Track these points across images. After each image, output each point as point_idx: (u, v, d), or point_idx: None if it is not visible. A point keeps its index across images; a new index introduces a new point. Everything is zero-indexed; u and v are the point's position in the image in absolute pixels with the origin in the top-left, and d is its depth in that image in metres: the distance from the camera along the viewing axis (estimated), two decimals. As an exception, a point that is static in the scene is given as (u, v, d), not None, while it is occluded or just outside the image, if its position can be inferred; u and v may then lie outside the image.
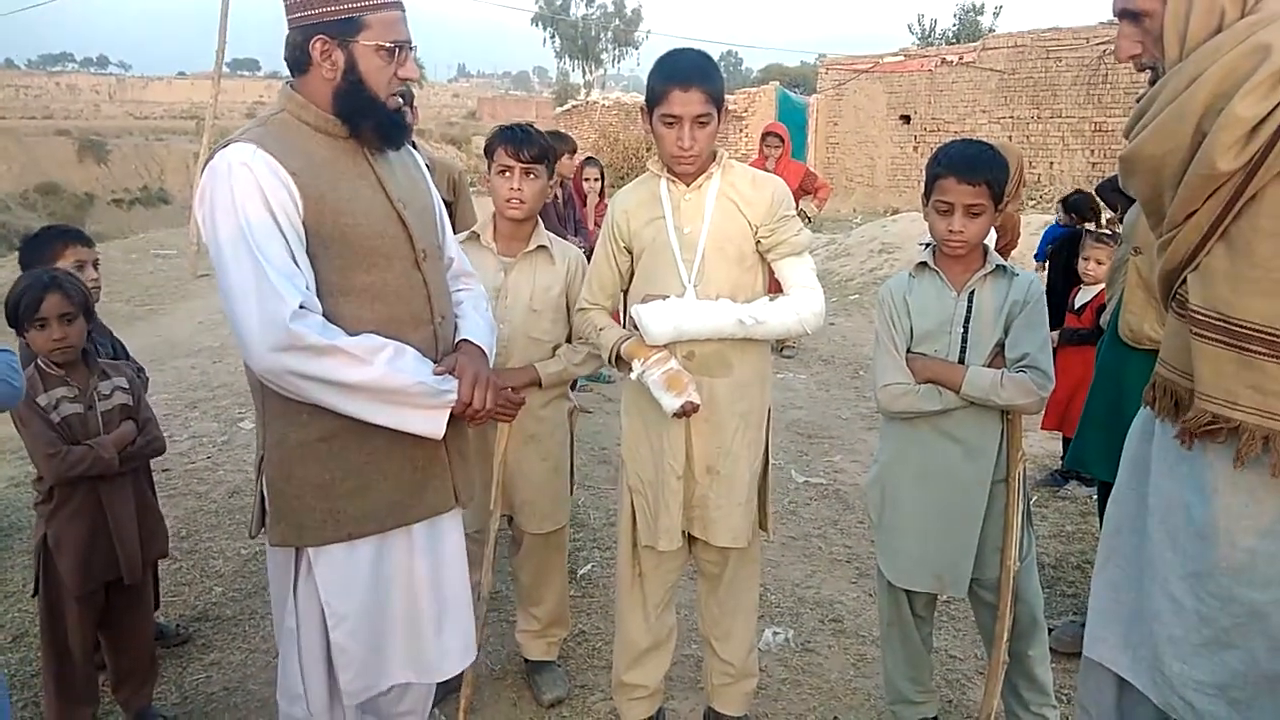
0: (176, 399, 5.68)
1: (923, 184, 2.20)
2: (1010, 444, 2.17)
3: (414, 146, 2.11)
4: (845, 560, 3.60)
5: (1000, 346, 2.14)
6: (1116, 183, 4.11)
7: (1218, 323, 1.42)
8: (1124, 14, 1.51)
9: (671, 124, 2.05)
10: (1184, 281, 1.48)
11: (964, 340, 2.16)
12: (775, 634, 3.02)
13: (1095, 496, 3.97)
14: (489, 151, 2.51)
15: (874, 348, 2.29)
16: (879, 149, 17.31)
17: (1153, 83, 1.50)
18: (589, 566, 3.53)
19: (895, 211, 14.08)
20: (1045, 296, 2.19)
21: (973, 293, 2.16)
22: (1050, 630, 2.97)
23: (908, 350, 2.21)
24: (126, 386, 2.48)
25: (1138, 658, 1.61)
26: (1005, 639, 2.19)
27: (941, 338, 2.18)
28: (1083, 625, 2.88)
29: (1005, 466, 2.17)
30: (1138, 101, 1.53)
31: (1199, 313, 1.44)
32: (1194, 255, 1.45)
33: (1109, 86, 13.70)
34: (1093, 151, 14.12)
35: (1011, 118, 15.12)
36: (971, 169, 2.07)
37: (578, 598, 3.24)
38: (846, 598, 3.30)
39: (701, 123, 2.04)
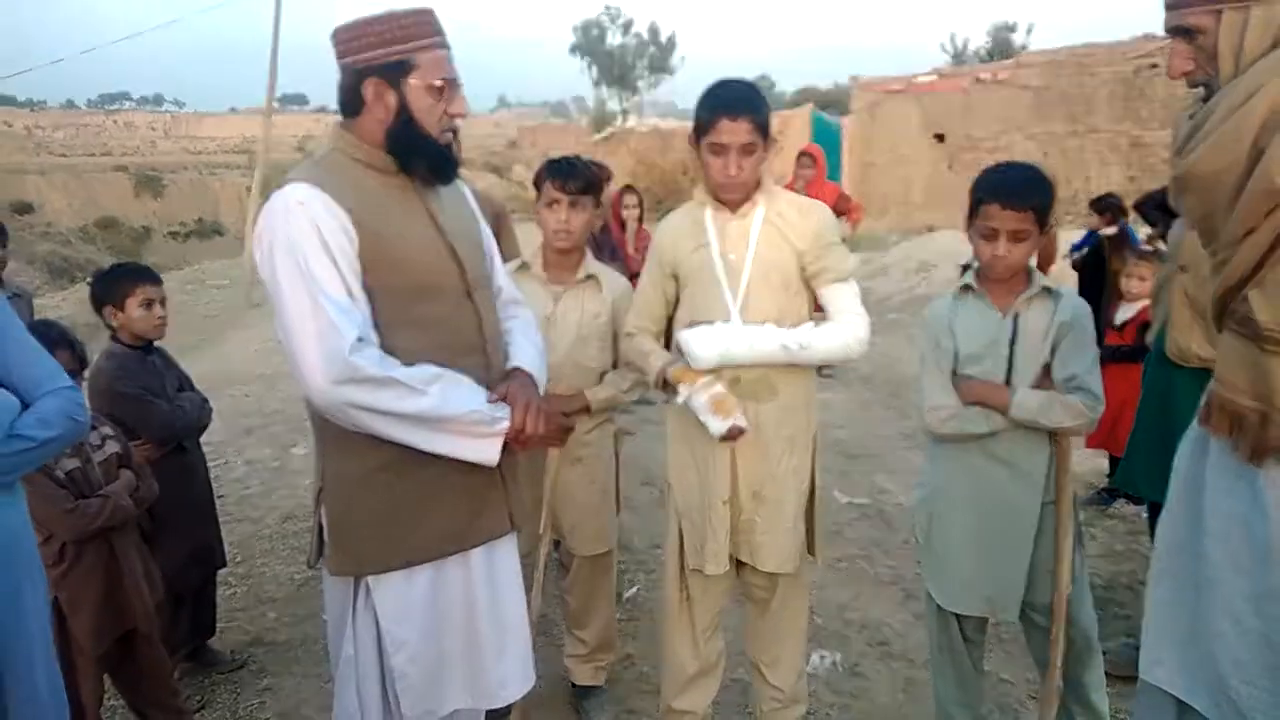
0: (231, 425, 5.81)
1: (965, 206, 2.21)
2: (1059, 466, 2.15)
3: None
4: (891, 582, 3.57)
5: (1047, 368, 2.13)
6: (1157, 199, 4.09)
7: None
8: (1176, 31, 1.51)
9: (719, 152, 2.08)
10: (1243, 299, 1.47)
11: (1010, 362, 2.15)
12: (822, 658, 3.01)
13: (1144, 514, 3.90)
14: (537, 184, 2.57)
15: (920, 370, 2.29)
16: (914, 169, 17.19)
17: (1205, 100, 1.49)
18: (634, 589, 3.54)
19: (931, 229, 13.96)
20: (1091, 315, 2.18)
21: (1018, 314, 2.16)
22: (1104, 653, 2.93)
23: (953, 372, 2.21)
24: (113, 434, 2.48)
25: (1196, 679, 1.59)
26: (1059, 664, 2.16)
27: (987, 360, 2.17)
28: (1136, 647, 2.83)
29: (1055, 488, 2.16)
30: (1190, 118, 1.52)
31: (1273, 330, 1.43)
32: (1254, 272, 1.43)
33: (1146, 100, 13.51)
34: (1130, 166, 13.89)
35: (1047, 134, 14.96)
36: (1017, 195, 2.07)
37: (623, 621, 3.24)
38: (894, 620, 3.27)
39: (748, 151, 2.08)
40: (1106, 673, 2.85)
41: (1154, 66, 13.26)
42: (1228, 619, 1.52)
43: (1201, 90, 1.53)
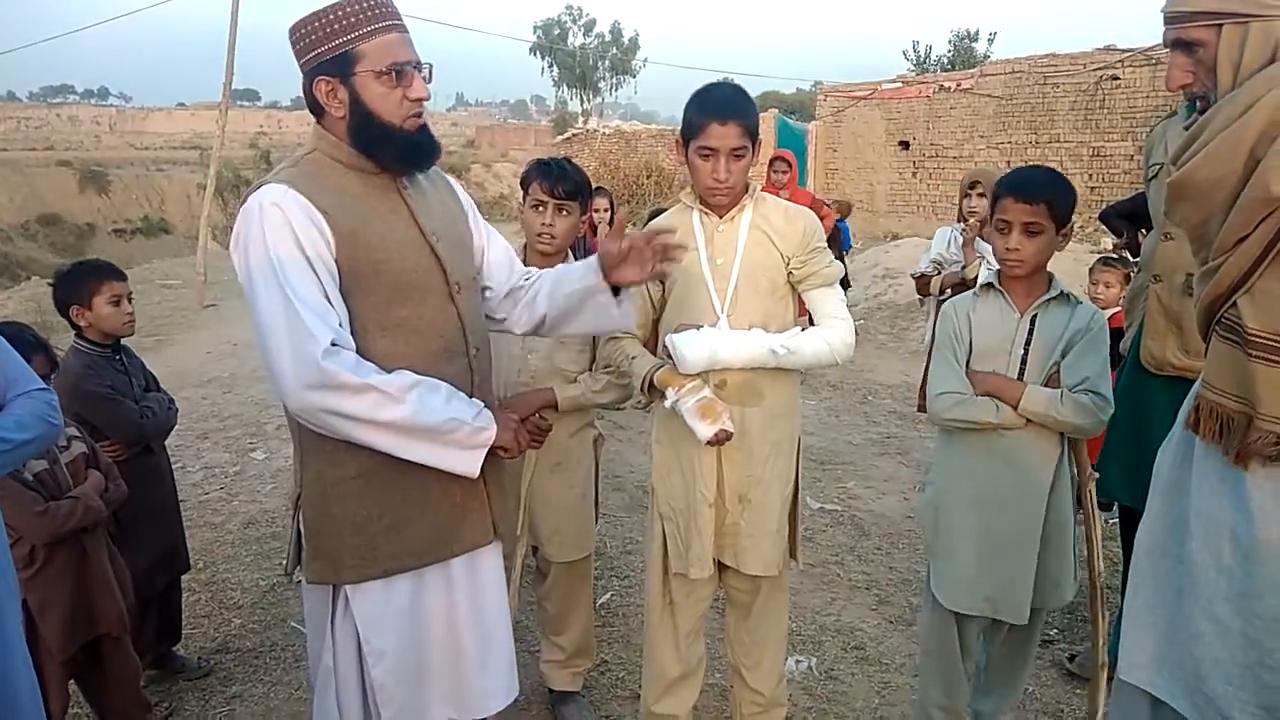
0: (188, 430, 5.67)
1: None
2: (1078, 465, 2.23)
3: None
4: (864, 587, 3.59)
5: (1057, 371, 2.17)
6: (1120, 209, 4.17)
7: (1279, 345, 1.44)
8: (1176, 44, 1.54)
9: (708, 156, 2.08)
10: (1232, 305, 1.50)
11: (1023, 361, 2.19)
12: (798, 662, 3.01)
13: (1112, 521, 3.97)
14: (524, 183, 2.54)
15: (931, 359, 2.32)
16: (878, 175, 17.40)
17: (1202, 111, 1.53)
18: (608, 595, 3.52)
19: (895, 237, 14.13)
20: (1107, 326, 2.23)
21: (1035, 316, 2.20)
22: (1073, 657, 2.98)
23: (966, 364, 2.25)
24: (79, 435, 2.43)
25: (1174, 678, 1.61)
26: (1103, 644, 2.29)
27: (1001, 357, 2.21)
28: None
29: (1061, 490, 2.21)
30: (1185, 129, 1.56)
31: (1259, 336, 1.46)
32: (1245, 279, 1.47)
33: (1106, 112, 13.81)
34: (1091, 176, 14.19)
35: (1010, 143, 15.22)
36: (1029, 189, 2.13)
37: (598, 627, 3.21)
38: (867, 625, 3.29)
39: (737, 155, 2.08)
40: (1074, 674, 2.93)
41: (1115, 79, 13.56)
42: (1208, 619, 1.55)
43: (1186, 102, 1.56)
